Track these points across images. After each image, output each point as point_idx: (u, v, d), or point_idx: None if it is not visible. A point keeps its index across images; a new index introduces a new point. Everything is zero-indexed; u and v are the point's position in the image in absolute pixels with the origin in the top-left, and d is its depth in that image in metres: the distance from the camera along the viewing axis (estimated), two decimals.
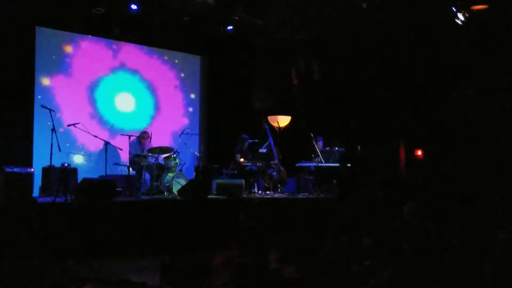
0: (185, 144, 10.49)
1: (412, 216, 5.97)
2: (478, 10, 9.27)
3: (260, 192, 10.12)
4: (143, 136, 10.03)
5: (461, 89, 11.08)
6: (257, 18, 10.46)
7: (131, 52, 11.40)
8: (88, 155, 10.20)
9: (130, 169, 9.53)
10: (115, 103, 11.15)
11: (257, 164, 10.27)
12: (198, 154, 10.67)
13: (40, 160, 8.99)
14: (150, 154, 9.66)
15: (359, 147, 11.42)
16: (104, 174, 9.10)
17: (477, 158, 10.62)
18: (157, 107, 11.76)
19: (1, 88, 9.16)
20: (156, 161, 9.61)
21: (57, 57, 10.32)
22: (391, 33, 11.03)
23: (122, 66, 11.26)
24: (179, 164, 9.88)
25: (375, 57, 12.02)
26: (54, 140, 7.76)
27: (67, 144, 9.17)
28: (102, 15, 10.17)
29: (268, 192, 10.12)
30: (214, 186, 9.44)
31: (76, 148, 9.93)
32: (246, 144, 10.65)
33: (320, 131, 11.33)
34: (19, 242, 6.39)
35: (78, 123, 8.95)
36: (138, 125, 10.86)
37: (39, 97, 9.80)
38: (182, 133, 10.59)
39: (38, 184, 8.41)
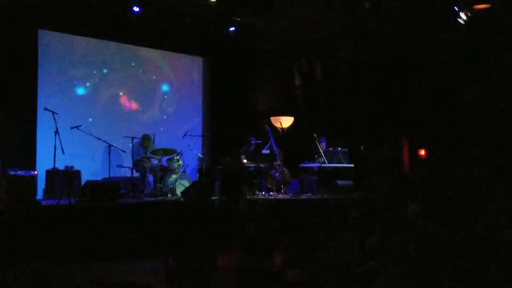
0: (188, 145, 10.49)
1: (416, 216, 5.96)
2: (480, 10, 9.26)
3: (263, 193, 10.11)
4: (145, 139, 10.04)
5: (463, 90, 11.08)
6: (260, 19, 10.45)
7: (133, 54, 11.40)
8: (91, 157, 10.20)
9: (134, 171, 9.55)
10: (118, 105, 11.17)
11: (260, 165, 10.26)
12: (201, 156, 10.68)
13: (43, 163, 9.01)
14: (153, 156, 9.67)
15: (362, 147, 11.43)
16: (107, 176, 9.11)
17: (480, 158, 10.60)
18: (159, 109, 11.76)
19: (4, 91, 9.18)
20: (160, 163, 9.62)
21: (59, 59, 10.33)
22: (394, 34, 11.03)
23: (125, 68, 11.27)
24: (182, 165, 9.89)
25: (378, 58, 12.03)
26: (58, 142, 7.78)
27: (71, 147, 9.15)
28: (104, 18, 10.20)
29: (272, 193, 10.12)
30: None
31: (79, 150, 9.92)
32: (252, 147, 10.63)
33: (323, 131, 11.33)
34: (23, 244, 6.40)
35: (82, 125, 8.97)
36: (141, 127, 10.86)
37: (42, 99, 9.81)
38: (185, 134, 10.59)
39: (42, 186, 8.43)
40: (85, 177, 8.74)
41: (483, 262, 4.15)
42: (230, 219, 7.51)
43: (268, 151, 10.50)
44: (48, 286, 4.86)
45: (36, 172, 7.72)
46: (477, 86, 10.98)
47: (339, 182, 10.41)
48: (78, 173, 8.85)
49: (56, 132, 7.85)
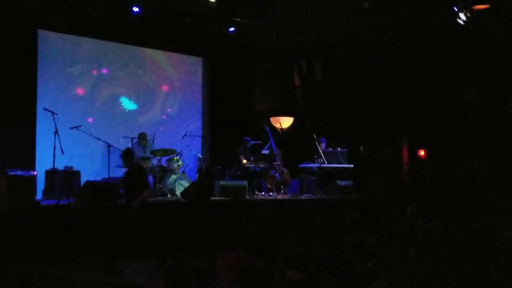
0: (188, 146, 10.49)
1: (415, 216, 5.96)
2: (480, 10, 9.27)
3: (263, 193, 10.11)
4: (141, 137, 10.03)
5: (463, 90, 11.09)
6: (259, 19, 10.45)
7: (133, 54, 11.40)
8: (91, 157, 10.19)
9: None
10: (118, 105, 11.16)
11: (260, 165, 10.27)
12: (201, 156, 10.68)
13: (43, 163, 9.01)
14: (152, 156, 9.67)
15: (362, 147, 11.43)
16: (107, 176, 9.11)
17: (480, 158, 10.61)
18: (159, 109, 11.76)
19: (4, 91, 9.18)
20: (159, 163, 9.62)
21: (59, 59, 10.33)
22: (393, 34, 11.03)
23: (125, 68, 11.27)
24: (182, 166, 9.88)
25: (377, 57, 12.03)
26: (57, 143, 7.78)
27: (70, 147, 9.18)
28: (104, 18, 10.19)
29: (271, 193, 10.11)
30: (217, 188, 9.44)
31: (79, 150, 9.92)
32: (249, 146, 10.64)
33: (323, 132, 11.33)
34: (23, 244, 6.40)
35: (81, 125, 8.97)
36: (141, 127, 10.86)
37: (42, 99, 9.81)
38: (184, 135, 10.59)
39: (41, 187, 8.42)
40: (84, 177, 8.74)
41: (483, 262, 4.15)
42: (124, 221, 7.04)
43: (267, 152, 10.50)
44: (48, 286, 4.85)
45: (35, 173, 7.73)
46: (477, 86, 10.99)
47: (339, 182, 10.41)
48: (77, 173, 8.85)
49: (56, 132, 7.85)
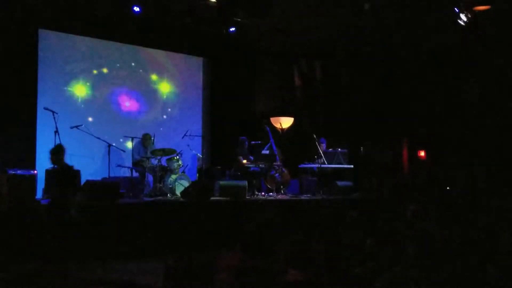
0: (188, 145, 10.49)
1: (415, 217, 5.96)
2: (480, 11, 9.28)
3: (263, 193, 10.11)
4: (146, 138, 10.04)
5: (463, 90, 11.09)
6: (260, 19, 10.45)
7: (134, 54, 11.40)
8: (91, 157, 10.19)
9: (133, 171, 9.55)
10: (118, 105, 11.16)
11: (260, 165, 10.27)
12: (201, 156, 10.68)
13: (43, 162, 8.97)
14: (153, 156, 9.68)
15: (362, 148, 11.43)
16: (107, 176, 9.10)
17: (480, 158, 10.61)
18: (159, 109, 11.76)
19: (4, 91, 9.18)
20: (159, 163, 9.62)
21: (59, 59, 10.33)
22: (394, 34, 11.04)
23: (125, 68, 11.26)
24: (182, 165, 9.89)
25: (378, 58, 12.04)
26: (57, 142, 7.78)
27: (70, 146, 9.15)
28: (104, 17, 10.19)
29: (271, 193, 10.11)
30: (217, 188, 9.44)
31: (79, 150, 9.90)
32: (246, 145, 10.63)
33: (323, 132, 11.33)
34: (23, 244, 6.40)
35: (81, 125, 8.97)
36: (141, 127, 10.85)
37: (42, 99, 9.81)
38: (184, 135, 10.59)
39: (41, 186, 8.42)
40: (84, 177, 8.71)
41: (483, 262, 4.16)
42: (60, 226, 6.46)
43: (267, 152, 10.49)
44: (48, 286, 4.86)
45: (35, 172, 7.73)
46: (478, 86, 11.00)
47: (339, 183, 10.41)
48: (77, 172, 8.84)
49: (56, 131, 7.85)
